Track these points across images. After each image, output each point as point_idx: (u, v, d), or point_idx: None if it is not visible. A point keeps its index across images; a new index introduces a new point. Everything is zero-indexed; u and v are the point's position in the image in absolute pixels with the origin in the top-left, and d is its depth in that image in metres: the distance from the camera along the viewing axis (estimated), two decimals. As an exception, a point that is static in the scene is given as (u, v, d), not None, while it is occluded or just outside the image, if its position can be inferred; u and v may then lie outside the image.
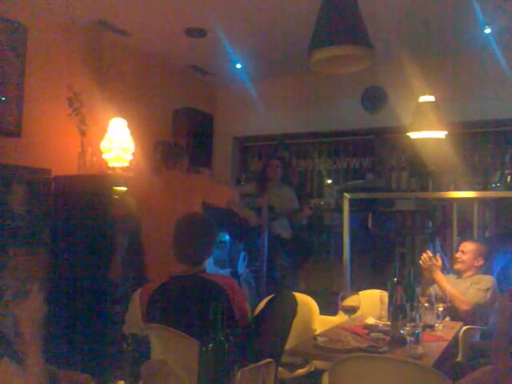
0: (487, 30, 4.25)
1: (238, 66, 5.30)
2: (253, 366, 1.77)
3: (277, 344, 2.34)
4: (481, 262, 3.43)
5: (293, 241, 4.73)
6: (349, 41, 2.22)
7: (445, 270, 4.26)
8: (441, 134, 3.64)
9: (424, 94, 3.68)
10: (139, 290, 2.49)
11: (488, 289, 3.25)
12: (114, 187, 3.81)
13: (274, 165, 4.76)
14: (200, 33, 4.48)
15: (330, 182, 5.85)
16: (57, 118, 4.05)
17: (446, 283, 3.24)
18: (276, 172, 4.74)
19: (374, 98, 5.34)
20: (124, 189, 3.77)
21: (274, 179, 4.74)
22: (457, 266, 3.52)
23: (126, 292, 3.67)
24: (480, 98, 4.84)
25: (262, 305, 2.87)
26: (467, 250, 3.48)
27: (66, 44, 4.20)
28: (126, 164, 4.09)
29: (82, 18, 4.21)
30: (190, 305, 2.18)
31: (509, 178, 4.34)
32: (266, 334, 2.34)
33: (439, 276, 3.31)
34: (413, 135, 3.71)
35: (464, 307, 3.17)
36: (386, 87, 5.27)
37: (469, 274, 3.46)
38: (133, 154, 4.15)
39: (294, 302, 2.52)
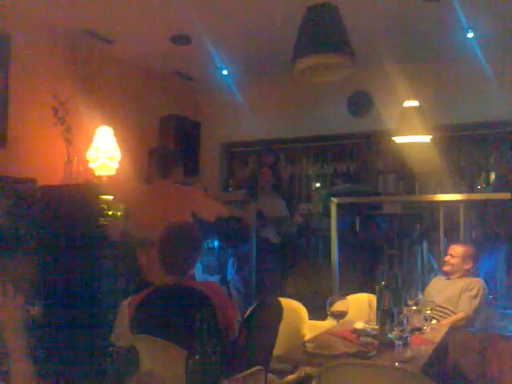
0: (470, 35, 4.30)
1: (225, 72, 5.31)
2: (240, 375, 1.77)
3: (264, 351, 2.34)
4: (470, 265, 3.47)
5: (282, 246, 4.74)
6: (329, 50, 2.24)
7: (433, 271, 4.30)
8: (425, 139, 3.68)
9: (409, 99, 3.72)
10: (127, 300, 2.48)
11: (478, 295, 3.30)
12: (101, 196, 3.79)
13: (265, 173, 4.76)
14: (185, 40, 4.48)
15: (318, 185, 5.87)
16: (42, 127, 4.03)
17: (448, 324, 3.20)
18: (267, 181, 4.74)
19: (359, 103, 5.38)
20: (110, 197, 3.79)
21: (264, 187, 4.74)
22: (446, 269, 3.56)
23: (115, 301, 3.66)
24: (464, 102, 4.90)
25: (248, 312, 2.87)
26: (456, 254, 3.50)
27: (51, 53, 4.17)
28: (113, 172, 4.08)
29: (66, 26, 4.20)
30: (175, 314, 2.17)
31: (493, 180, 4.40)
32: (252, 342, 2.33)
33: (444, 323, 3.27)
34: (398, 140, 3.75)
35: (463, 322, 3.23)
36: (372, 92, 5.31)
37: (457, 275, 3.50)
38: (119, 162, 4.13)
39: (279, 308, 2.52)
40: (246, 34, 4.42)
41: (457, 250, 3.52)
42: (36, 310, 1.60)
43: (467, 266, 3.47)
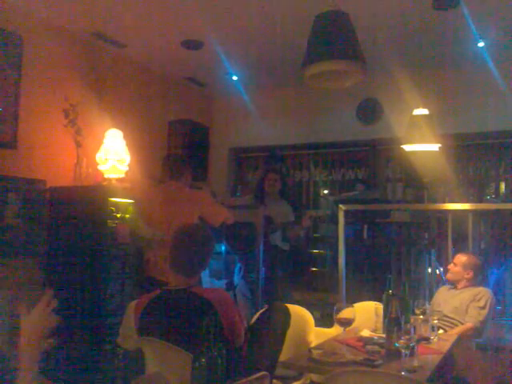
0: (480, 44, 4.29)
1: (234, 77, 5.33)
2: (244, 380, 1.76)
3: (270, 357, 2.33)
4: (470, 274, 3.44)
5: (290, 252, 4.73)
6: (341, 56, 2.25)
7: (441, 281, 4.28)
8: (434, 147, 3.67)
9: (418, 107, 3.71)
10: (133, 303, 2.49)
11: (486, 305, 3.28)
12: (110, 198, 3.81)
13: (271, 178, 4.76)
14: (196, 45, 4.51)
15: (326, 192, 5.87)
16: (53, 129, 4.05)
17: (456, 334, 3.16)
18: (274, 186, 4.73)
19: (369, 110, 5.37)
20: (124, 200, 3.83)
21: (271, 192, 4.74)
22: (448, 277, 3.57)
23: (121, 303, 3.67)
24: (474, 111, 4.89)
25: (254, 318, 2.86)
26: (458, 262, 3.50)
27: (63, 55, 4.21)
28: (122, 175, 4.10)
29: (78, 29, 4.24)
30: (180, 319, 2.17)
31: (503, 190, 4.38)
32: (258, 347, 2.33)
33: (452, 333, 3.26)
34: (407, 148, 3.74)
35: (470, 332, 3.21)
36: (381, 99, 5.30)
37: (462, 284, 3.48)
38: (128, 165, 4.15)
39: (287, 314, 2.51)
40: (256, 39, 4.44)
41: (460, 258, 3.52)
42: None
43: (467, 276, 3.45)
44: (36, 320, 1.45)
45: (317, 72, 2.31)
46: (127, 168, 4.14)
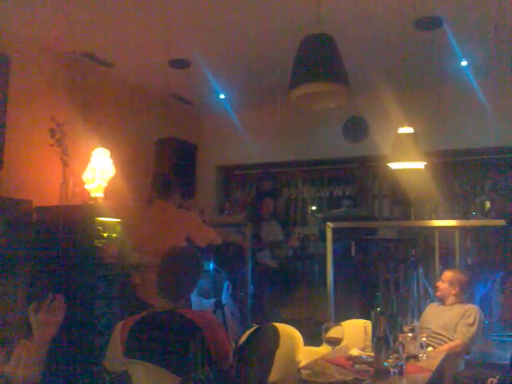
0: (463, 63, 4.38)
1: (222, 96, 5.37)
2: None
3: (259, 378, 2.31)
4: (456, 290, 3.46)
5: (279, 270, 4.73)
6: (325, 78, 2.29)
7: (429, 298, 4.29)
8: (419, 165, 3.70)
9: (403, 125, 3.75)
10: (120, 324, 2.45)
11: (475, 322, 3.29)
12: (97, 217, 3.79)
13: (268, 205, 4.81)
14: (183, 64, 4.54)
15: (314, 208, 5.89)
16: (39, 148, 4.03)
17: (444, 351, 3.14)
18: (269, 211, 4.79)
19: (355, 128, 5.43)
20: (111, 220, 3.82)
21: (265, 216, 4.79)
22: (436, 294, 3.58)
23: (109, 324, 3.62)
24: (458, 128, 4.96)
25: (243, 338, 2.84)
26: (445, 279, 3.52)
27: (50, 75, 4.21)
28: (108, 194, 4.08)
29: (65, 49, 4.24)
30: (166, 341, 2.15)
31: (488, 206, 4.41)
32: (247, 368, 2.30)
33: (441, 349, 3.26)
34: (392, 166, 3.77)
35: (459, 349, 3.21)
36: (367, 117, 5.36)
37: (450, 301, 3.49)
38: (116, 183, 4.13)
39: (276, 334, 2.50)
40: (243, 58, 4.48)
41: (446, 274, 3.54)
42: None
43: (454, 291, 3.46)
44: (43, 317, 1.85)
45: (302, 94, 2.34)
46: (115, 187, 4.12)
